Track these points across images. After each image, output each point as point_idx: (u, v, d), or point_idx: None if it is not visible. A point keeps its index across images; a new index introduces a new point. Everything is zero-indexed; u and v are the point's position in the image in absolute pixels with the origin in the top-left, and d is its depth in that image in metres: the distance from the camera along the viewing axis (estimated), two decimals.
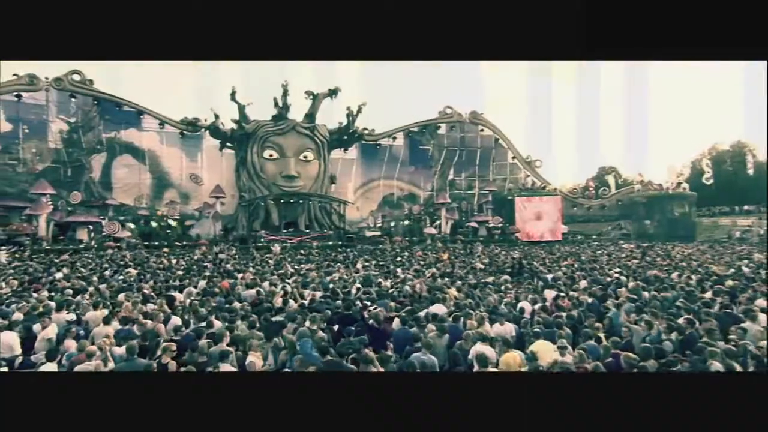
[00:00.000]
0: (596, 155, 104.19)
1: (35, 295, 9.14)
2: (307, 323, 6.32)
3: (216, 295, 8.81)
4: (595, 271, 13.41)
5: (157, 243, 25.79)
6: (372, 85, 68.40)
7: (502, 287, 10.19)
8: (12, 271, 13.39)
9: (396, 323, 6.67)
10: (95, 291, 9.58)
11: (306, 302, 8.03)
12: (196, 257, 18.08)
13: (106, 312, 7.25)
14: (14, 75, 28.52)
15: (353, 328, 5.94)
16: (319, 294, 9.00)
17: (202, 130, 31.64)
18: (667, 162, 68.65)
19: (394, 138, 36.68)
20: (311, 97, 31.42)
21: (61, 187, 28.51)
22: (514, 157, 38.30)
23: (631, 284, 10.95)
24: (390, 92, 77.29)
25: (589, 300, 8.63)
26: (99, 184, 30.23)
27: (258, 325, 6.55)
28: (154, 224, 27.77)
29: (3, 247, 20.08)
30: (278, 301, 8.11)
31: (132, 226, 27.33)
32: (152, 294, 9.15)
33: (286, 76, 31.40)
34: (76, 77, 29.51)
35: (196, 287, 10.07)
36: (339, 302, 7.85)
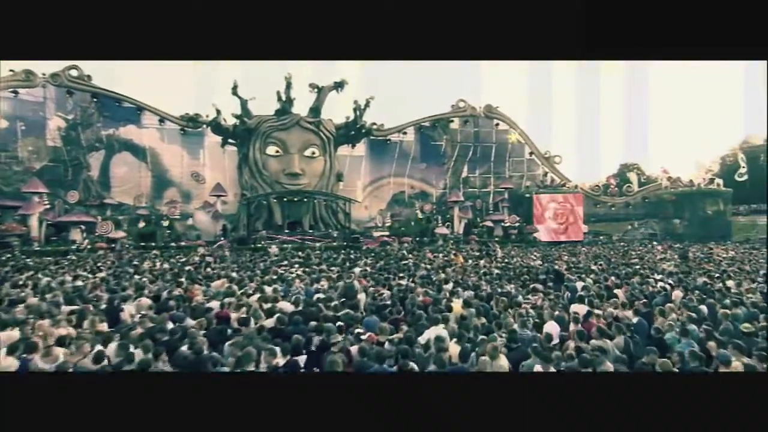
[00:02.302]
0: (613, 153, 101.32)
1: None
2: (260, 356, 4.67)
3: (170, 309, 7.19)
4: (630, 277, 11.42)
5: (153, 244, 24.56)
6: (381, 78, 66.61)
7: (520, 298, 8.37)
8: None
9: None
10: (40, 302, 8.10)
11: (273, 321, 6.29)
12: (183, 259, 16.60)
13: (15, 334, 5.73)
14: (10, 71, 27.84)
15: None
16: (296, 308, 7.33)
17: (204, 126, 30.34)
18: (693, 158, 65.34)
19: (405, 133, 34.74)
20: (316, 90, 29.73)
21: (59, 186, 27.67)
22: (531, 153, 36.08)
23: (676, 292, 9.06)
24: (399, 86, 75.56)
25: (634, 319, 6.79)
26: (98, 183, 29.27)
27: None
28: (151, 224, 26.52)
29: None
30: (237, 320, 6.43)
31: (128, 226, 26.19)
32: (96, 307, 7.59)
33: (290, 69, 29.77)
34: (74, 72, 28.53)
35: (158, 299, 8.44)
36: (313, 323, 6.15)
